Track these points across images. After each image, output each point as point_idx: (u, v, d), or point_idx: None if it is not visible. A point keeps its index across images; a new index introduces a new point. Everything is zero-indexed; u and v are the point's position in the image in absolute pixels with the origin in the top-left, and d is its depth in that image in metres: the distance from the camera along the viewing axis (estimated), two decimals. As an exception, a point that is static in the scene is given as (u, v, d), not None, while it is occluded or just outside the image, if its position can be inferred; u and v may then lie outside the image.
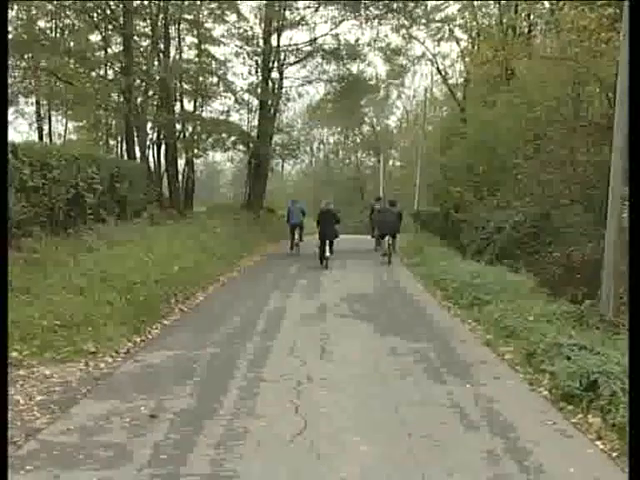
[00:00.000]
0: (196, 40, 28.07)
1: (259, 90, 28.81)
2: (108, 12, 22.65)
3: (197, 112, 29.83)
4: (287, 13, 28.53)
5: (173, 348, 7.86)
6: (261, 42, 28.93)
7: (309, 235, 21.66)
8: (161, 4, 23.05)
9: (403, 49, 32.83)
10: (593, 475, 4.59)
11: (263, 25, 28.61)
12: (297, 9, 28.71)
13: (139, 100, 24.57)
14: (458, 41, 31.72)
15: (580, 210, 15.00)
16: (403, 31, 30.19)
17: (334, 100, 34.92)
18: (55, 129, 30.20)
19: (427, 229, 26.34)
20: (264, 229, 25.78)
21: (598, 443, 5.20)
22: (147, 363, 7.22)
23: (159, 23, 24.20)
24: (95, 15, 22.91)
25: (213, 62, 27.90)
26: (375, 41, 31.14)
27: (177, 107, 28.14)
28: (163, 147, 27.94)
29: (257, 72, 29.72)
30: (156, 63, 24.93)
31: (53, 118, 29.03)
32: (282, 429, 5.16)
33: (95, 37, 24.81)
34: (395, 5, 27.60)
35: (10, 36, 18.18)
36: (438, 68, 34.37)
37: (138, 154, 24.03)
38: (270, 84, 30.05)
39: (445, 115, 39.37)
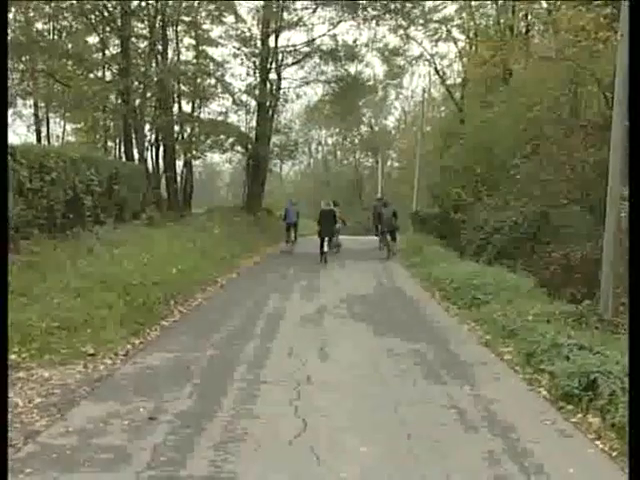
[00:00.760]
0: (194, 42, 28.09)
1: (257, 91, 28.80)
2: (106, 14, 22.63)
3: (195, 113, 29.83)
4: (285, 14, 28.52)
5: (172, 350, 7.84)
6: (259, 43, 28.92)
7: (308, 235, 21.72)
8: (159, 6, 23.02)
9: (401, 50, 32.87)
10: (593, 475, 4.59)
11: (261, 26, 28.60)
12: (295, 10, 28.72)
13: (137, 102, 24.53)
14: (456, 41, 31.80)
15: (578, 210, 15.01)
16: (401, 32, 30.23)
17: (332, 101, 34.90)
18: (53, 131, 30.17)
19: (426, 229, 26.33)
20: (263, 230, 25.77)
21: (598, 443, 5.20)
22: (146, 365, 7.20)
23: (157, 25, 24.17)
24: (93, 17, 22.89)
25: (211, 63, 27.92)
26: (373, 42, 31.24)
27: (175, 109, 28.16)
28: (161, 149, 27.93)
29: (255, 73, 29.72)
30: (154, 65, 24.93)
31: (51, 120, 29.01)
32: (282, 430, 5.16)
33: (93, 39, 24.84)
34: (393, 6, 27.60)
35: (8, 38, 18.15)
36: (436, 68, 34.44)
37: (136, 156, 24.00)
38: (268, 85, 30.05)
39: (443, 116, 39.40)
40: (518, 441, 5.14)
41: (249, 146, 30.07)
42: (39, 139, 26.43)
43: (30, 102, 25.43)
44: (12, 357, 6.70)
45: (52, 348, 7.28)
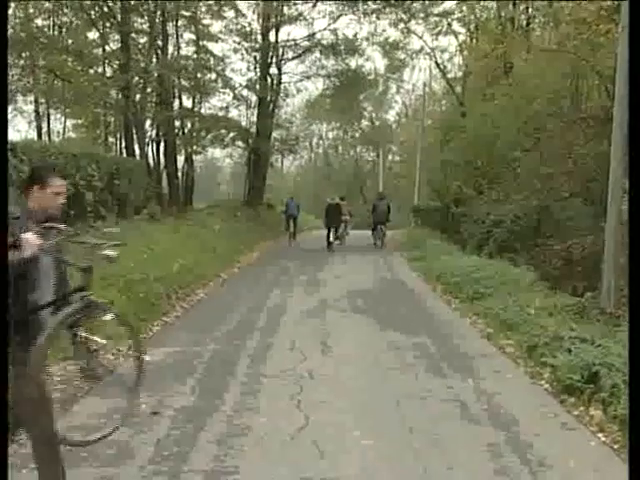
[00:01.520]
0: (194, 36, 28.03)
1: (258, 86, 28.79)
2: (105, 9, 22.61)
3: (196, 109, 29.80)
4: (285, 8, 28.49)
5: (174, 345, 7.86)
6: (259, 38, 28.90)
7: (307, 230, 21.77)
8: (159, 1, 23.00)
9: (401, 43, 32.84)
10: (595, 468, 4.59)
11: (261, 21, 28.57)
12: (295, 4, 28.68)
13: (138, 97, 24.51)
14: (456, 35, 31.69)
15: (580, 203, 15.01)
16: (401, 25, 30.15)
17: (333, 95, 34.90)
18: (54, 127, 30.18)
19: (427, 223, 26.35)
20: (264, 225, 25.78)
21: (600, 435, 5.20)
22: (148, 361, 7.19)
23: (157, 20, 24.14)
24: (93, 12, 22.86)
25: (211, 58, 27.85)
26: (373, 36, 31.20)
27: (176, 104, 28.11)
28: (162, 144, 27.92)
29: (255, 68, 29.73)
30: (154, 60, 24.91)
31: (52, 116, 29.01)
32: (284, 425, 5.16)
33: (93, 34, 24.77)
34: (393, -1, 27.58)
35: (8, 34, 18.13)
36: (437, 62, 34.34)
37: (137, 151, 24.00)
38: (269, 80, 30.05)
39: (444, 109, 39.35)
40: (520, 434, 5.15)
41: (250, 141, 30.07)
42: (40, 135, 26.44)
43: (30, 98, 25.44)
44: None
45: (53, 344, 7.26)
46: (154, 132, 27.64)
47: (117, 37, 24.35)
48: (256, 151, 30.02)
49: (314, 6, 28.70)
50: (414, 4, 28.10)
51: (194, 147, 28.67)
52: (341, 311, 10.47)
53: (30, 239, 3.28)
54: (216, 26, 28.17)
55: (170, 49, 26.64)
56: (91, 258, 3.52)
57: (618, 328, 7.83)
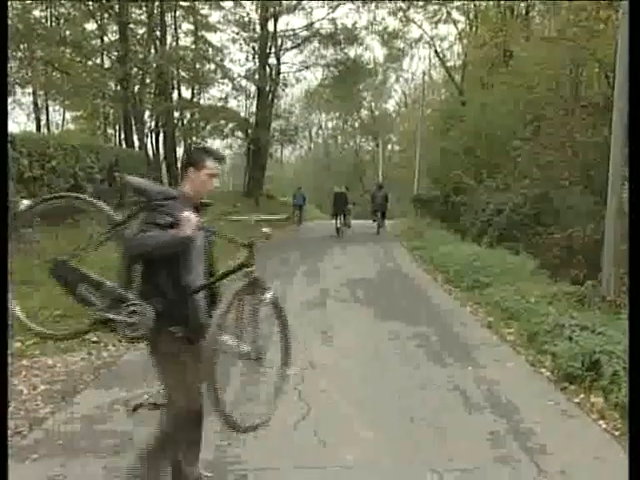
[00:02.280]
0: (192, 27, 27.99)
1: (257, 76, 28.76)
2: (103, 0, 22.54)
3: (195, 99, 29.77)
4: (283, -2, 28.46)
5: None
6: (258, 28, 28.85)
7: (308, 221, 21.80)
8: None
9: (400, 32, 32.78)
10: (596, 455, 4.61)
11: (259, 10, 28.49)
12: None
13: (136, 88, 24.48)
14: (456, 23, 31.56)
15: (580, 191, 14.98)
16: (400, 14, 30.07)
17: (332, 85, 34.83)
18: (53, 119, 30.18)
19: (427, 213, 26.32)
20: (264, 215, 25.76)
21: (601, 422, 5.22)
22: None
23: (155, 10, 24.09)
24: (90, 3, 22.82)
25: (210, 49, 27.84)
26: (372, 25, 31.12)
27: (175, 95, 28.09)
28: (161, 135, 27.90)
29: (254, 58, 29.68)
30: (153, 51, 24.86)
31: (50, 108, 29.01)
32: (285, 414, 5.16)
33: (91, 26, 24.74)
34: (392, -12, 27.51)
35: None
36: (436, 51, 34.24)
37: (136, 143, 23.98)
38: (268, 70, 29.99)
39: (444, 98, 39.24)
40: (521, 422, 5.16)
41: (249, 131, 30.05)
42: (39, 127, 26.42)
43: (29, 90, 25.40)
44: (16, 345, 6.73)
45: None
46: (153, 123, 27.63)
47: (115, 28, 24.32)
48: (255, 142, 30.00)
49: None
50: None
51: (193, 138, 28.64)
52: (342, 301, 10.48)
53: (190, 217, 3.26)
54: (214, 16, 28.17)
55: (168, 40, 26.63)
56: (251, 235, 3.46)
57: (619, 316, 7.84)
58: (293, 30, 30.60)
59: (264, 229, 3.57)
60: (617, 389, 5.48)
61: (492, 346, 7.75)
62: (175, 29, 27.42)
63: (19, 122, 30.56)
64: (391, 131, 56.44)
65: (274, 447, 4.56)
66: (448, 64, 34.46)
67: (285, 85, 33.05)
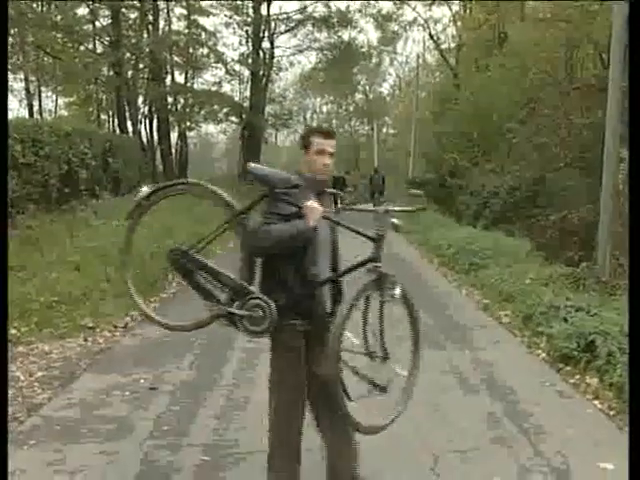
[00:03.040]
0: (185, 11, 27.77)
1: (250, 60, 28.61)
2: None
3: (188, 84, 29.63)
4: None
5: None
6: (251, 11, 28.64)
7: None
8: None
9: (394, 15, 32.59)
10: (592, 434, 4.63)
11: (252, -6, 28.30)
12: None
13: (129, 73, 24.36)
14: (450, 5, 31.39)
15: (575, 173, 14.97)
16: (394, -4, 29.89)
17: (326, 68, 34.67)
18: (45, 105, 29.99)
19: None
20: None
21: (596, 403, 5.24)
22: (146, 336, 7.22)
23: (147, -6, 23.92)
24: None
25: (203, 33, 27.66)
26: (366, 7, 30.89)
27: (168, 80, 27.94)
28: (155, 121, 27.78)
29: (248, 42, 29.51)
30: (145, 35, 24.70)
31: (43, 94, 28.80)
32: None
33: (83, 10, 24.51)
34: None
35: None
36: (430, 33, 34.06)
37: (130, 128, 23.89)
38: (261, 54, 29.82)
39: (438, 81, 39.11)
40: (518, 403, 5.19)
41: (243, 116, 29.93)
42: (31, 113, 26.25)
43: (21, 76, 25.21)
44: (12, 332, 6.72)
45: (51, 322, 7.29)
46: (147, 108, 27.50)
47: (107, 13, 24.11)
48: (249, 126, 29.88)
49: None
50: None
51: (187, 123, 28.53)
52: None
53: (314, 207, 3.14)
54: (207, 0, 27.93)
55: (161, 24, 26.45)
56: (379, 226, 3.21)
57: (614, 297, 7.86)
58: (286, 13, 30.43)
59: (393, 220, 3.31)
60: (612, 370, 5.50)
61: (488, 328, 7.78)
62: (168, 13, 27.21)
63: (12, 108, 30.34)
64: (386, 114, 56.25)
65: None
66: (442, 46, 34.32)
67: (279, 69, 32.94)
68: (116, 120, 26.57)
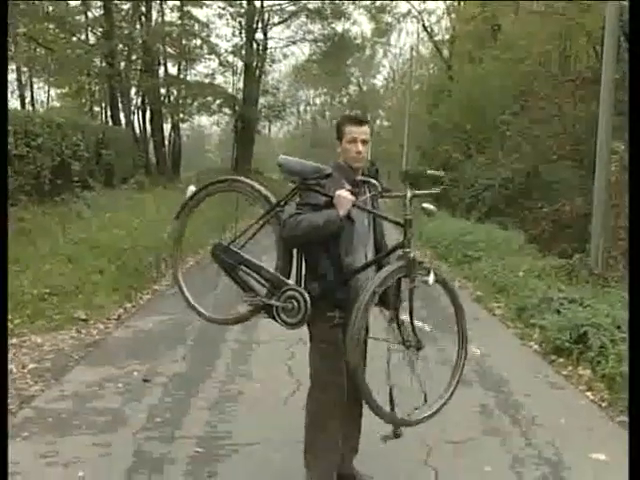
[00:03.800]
0: (178, 2, 27.61)
1: (243, 52, 28.51)
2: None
3: (181, 76, 29.51)
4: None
5: (164, 313, 7.84)
6: (244, 2, 28.50)
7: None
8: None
9: (388, 6, 32.46)
10: (584, 425, 4.65)
11: (246, -15, 28.18)
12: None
13: (122, 65, 24.23)
14: (443, -3, 31.31)
15: (569, 165, 15.01)
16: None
17: (319, 60, 34.56)
18: (38, 96, 29.85)
19: (415, 188, 26.31)
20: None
21: (588, 394, 5.27)
22: (139, 329, 7.22)
23: (140, -15, 23.78)
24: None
25: (196, 24, 27.51)
26: (359, -1, 30.78)
27: (161, 71, 27.82)
28: (148, 112, 27.67)
29: (241, 33, 29.40)
30: (138, 26, 24.58)
31: (35, 85, 28.69)
32: (276, 390, 5.19)
33: (75, 1, 24.36)
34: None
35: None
36: (424, 25, 33.93)
37: (123, 120, 23.78)
38: (255, 45, 29.72)
39: (432, 73, 39.04)
40: (510, 395, 5.21)
41: (236, 108, 29.84)
42: (23, 105, 26.12)
43: (12, 67, 25.04)
44: (4, 324, 6.70)
45: (44, 314, 7.28)
46: (139, 100, 27.38)
47: (99, 3, 23.96)
48: (243, 118, 29.80)
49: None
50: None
51: (180, 115, 28.43)
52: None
53: (343, 195, 3.13)
54: (200, -9, 27.78)
55: (154, 15, 26.31)
56: (409, 213, 3.21)
57: (607, 289, 7.90)
58: (280, 5, 30.29)
59: (425, 205, 3.31)
60: (604, 361, 5.53)
61: (481, 320, 7.79)
62: (160, 4, 27.03)
63: (3, 100, 30.20)
64: (379, 107, 56.18)
65: (264, 422, 4.58)
66: (436, 39, 34.23)
67: (272, 61, 32.82)
68: (109, 112, 26.44)
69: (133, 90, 26.33)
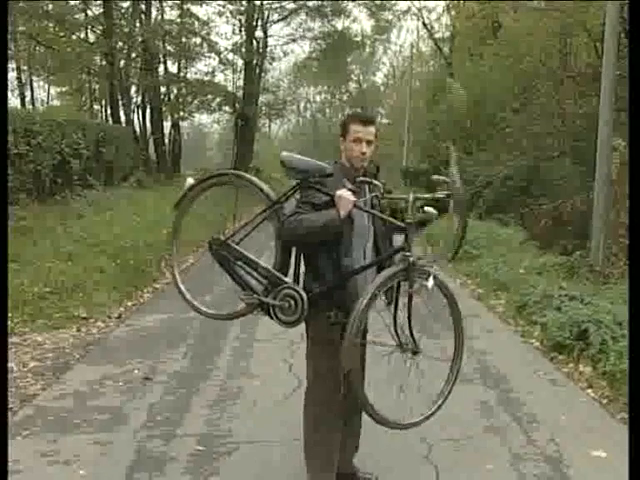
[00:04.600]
0: (178, 0, 27.57)
1: (243, 50, 28.46)
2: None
3: (181, 74, 29.47)
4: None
5: (165, 311, 7.84)
6: (244, 0, 28.45)
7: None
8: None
9: (388, 4, 32.38)
10: (585, 422, 4.65)
11: (245, -18, 28.13)
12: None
13: (122, 63, 24.20)
14: (444, -6, 31.23)
15: (569, 162, 14.99)
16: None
17: (320, 58, 34.51)
18: (38, 95, 29.84)
19: (416, 185, 26.30)
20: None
21: (589, 391, 5.27)
22: (139, 327, 7.22)
23: (139, -17, 23.74)
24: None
25: (196, 22, 27.45)
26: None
27: (161, 69, 27.78)
28: (148, 110, 27.65)
29: (241, 31, 29.34)
30: (138, 25, 24.54)
31: (35, 84, 28.68)
32: (276, 388, 5.19)
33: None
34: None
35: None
36: (424, 22, 33.85)
37: (123, 118, 23.77)
38: (254, 43, 29.67)
39: (432, 70, 38.98)
40: (511, 392, 5.21)
41: (237, 106, 29.81)
42: (23, 103, 26.10)
43: (12, 66, 25.03)
44: (5, 322, 6.70)
45: (45, 313, 7.28)
46: (140, 98, 27.35)
47: (99, 2, 23.94)
48: (243, 116, 29.77)
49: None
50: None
51: (180, 113, 28.40)
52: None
53: (344, 196, 3.08)
54: (200, -11, 27.73)
55: (154, 13, 26.26)
56: (410, 216, 3.12)
57: (607, 285, 7.90)
58: (280, 2, 30.24)
59: (427, 208, 3.22)
60: (605, 358, 5.53)
61: (482, 317, 7.80)
62: (160, 2, 26.99)
63: (3, 98, 30.22)
64: (380, 104, 56.11)
65: (265, 419, 4.58)
66: (436, 36, 34.17)
67: (272, 59, 32.76)
68: (109, 110, 26.43)
69: (133, 88, 26.31)
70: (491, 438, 4.37)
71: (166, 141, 28.52)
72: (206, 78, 29.29)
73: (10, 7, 19.19)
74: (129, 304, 8.29)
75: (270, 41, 31.54)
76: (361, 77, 53.06)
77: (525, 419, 4.66)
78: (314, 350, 3.38)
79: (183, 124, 33.65)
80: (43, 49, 23.53)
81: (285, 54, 33.72)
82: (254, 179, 3.54)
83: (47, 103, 31.10)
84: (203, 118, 41.38)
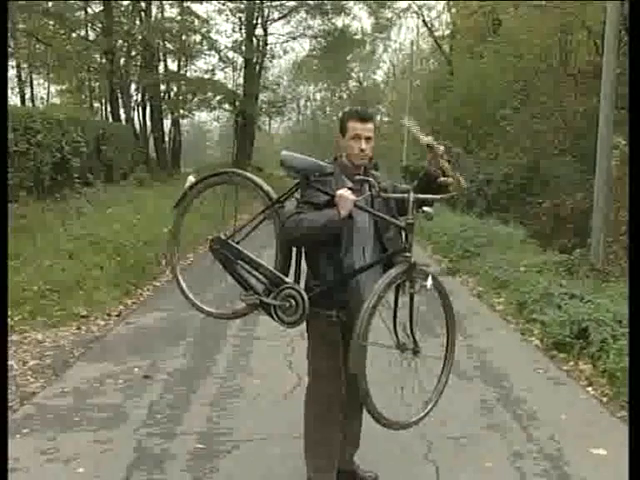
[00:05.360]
0: (177, -2, 27.59)
1: (244, 47, 28.47)
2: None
3: (181, 72, 29.47)
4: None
5: (165, 309, 7.84)
6: (244, -2, 28.46)
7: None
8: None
9: (388, 2, 32.37)
10: (585, 420, 4.65)
11: (245, -20, 28.11)
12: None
13: (122, 61, 24.20)
14: (444, -8, 31.21)
15: (569, 160, 14.98)
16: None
17: (320, 56, 34.51)
18: (37, 93, 29.80)
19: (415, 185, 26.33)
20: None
21: (589, 389, 5.27)
22: (139, 325, 7.22)
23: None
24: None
25: (196, 20, 27.45)
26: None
27: (161, 67, 27.79)
28: (148, 108, 27.65)
29: (241, 29, 29.36)
30: (138, 22, 24.53)
31: (35, 82, 28.65)
32: (276, 385, 5.19)
33: (74, -2, 24.32)
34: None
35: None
36: (424, 20, 33.83)
37: (123, 116, 23.77)
38: (255, 41, 29.67)
39: (432, 68, 38.95)
40: (511, 390, 5.20)
41: (237, 103, 29.81)
42: (23, 101, 26.10)
43: (12, 63, 25.00)
44: (5, 320, 6.70)
45: (44, 310, 7.27)
46: (140, 96, 27.35)
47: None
48: (243, 114, 29.77)
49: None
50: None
51: (180, 111, 28.40)
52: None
53: (345, 196, 3.05)
54: (200, -13, 27.72)
55: (154, 11, 26.25)
56: (411, 216, 3.11)
57: (607, 283, 7.89)
58: (280, 0, 30.22)
59: (425, 208, 3.21)
60: (605, 356, 5.52)
61: (482, 315, 7.79)
62: (160, 0, 27.00)
63: (3, 96, 30.16)
64: (380, 102, 56.06)
65: (266, 417, 4.58)
66: (436, 34, 34.13)
67: (272, 56, 32.78)
68: (109, 108, 26.43)
69: (133, 86, 26.32)
70: (491, 436, 4.36)
71: (166, 139, 28.53)
72: (206, 76, 29.32)
73: (10, 5, 19.21)
74: (129, 302, 8.29)
75: (270, 39, 31.58)
76: (361, 75, 53.04)
77: (525, 417, 4.65)
78: (315, 349, 3.37)
79: (183, 122, 33.67)
80: (43, 47, 23.51)
81: (285, 52, 33.78)
82: (254, 177, 3.53)
83: (47, 101, 31.05)
84: (203, 116, 41.41)
